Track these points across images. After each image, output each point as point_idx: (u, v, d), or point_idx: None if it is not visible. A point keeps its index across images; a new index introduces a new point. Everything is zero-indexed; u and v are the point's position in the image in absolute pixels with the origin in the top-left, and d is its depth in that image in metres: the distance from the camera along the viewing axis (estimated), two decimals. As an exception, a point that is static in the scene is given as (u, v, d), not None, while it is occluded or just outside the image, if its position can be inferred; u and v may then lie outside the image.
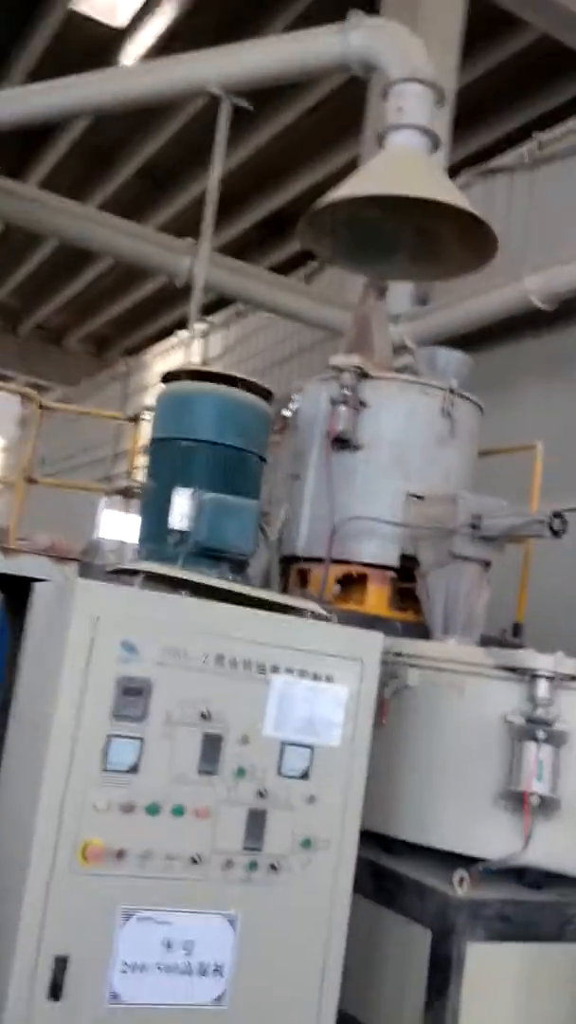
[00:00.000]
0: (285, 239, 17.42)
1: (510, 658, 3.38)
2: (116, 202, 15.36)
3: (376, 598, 4.84)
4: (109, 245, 9.13)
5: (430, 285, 9.47)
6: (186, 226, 11.56)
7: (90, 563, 4.74)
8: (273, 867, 2.95)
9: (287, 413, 5.20)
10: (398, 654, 3.61)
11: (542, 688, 3.29)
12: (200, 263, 7.09)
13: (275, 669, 2.99)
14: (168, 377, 4.89)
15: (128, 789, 2.80)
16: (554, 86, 11.57)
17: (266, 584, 4.78)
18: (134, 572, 3.16)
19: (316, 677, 3.04)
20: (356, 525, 4.76)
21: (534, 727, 3.28)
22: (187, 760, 2.87)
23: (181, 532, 4.45)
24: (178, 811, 2.85)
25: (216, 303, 12.60)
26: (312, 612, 3.19)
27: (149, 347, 18.33)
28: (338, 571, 4.82)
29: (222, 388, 4.64)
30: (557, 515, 4.05)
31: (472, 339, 8.08)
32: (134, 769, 2.81)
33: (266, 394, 4.78)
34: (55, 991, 2.67)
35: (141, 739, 2.82)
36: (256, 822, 2.94)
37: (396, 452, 4.83)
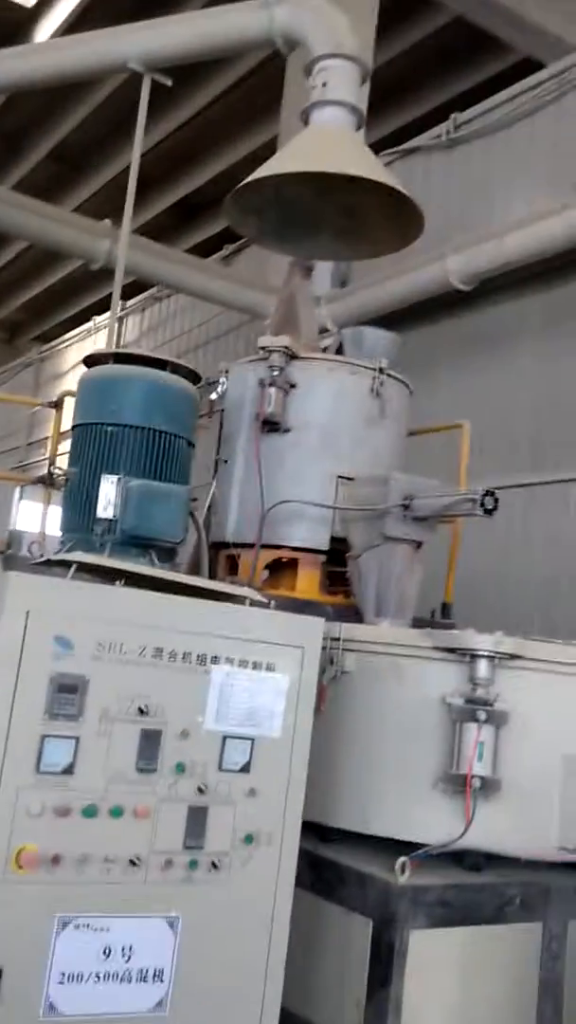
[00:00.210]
0: (198, 224, 17.21)
1: (449, 639, 3.35)
2: (28, 185, 14.92)
3: (307, 583, 4.78)
4: (23, 228, 8.84)
5: (349, 267, 9.43)
6: (100, 209, 11.27)
7: (13, 555, 4.56)
8: (214, 865, 2.85)
9: (213, 396, 5.09)
10: (335, 639, 3.54)
11: (482, 668, 3.26)
12: (122, 244, 6.90)
13: (215, 660, 2.89)
14: (91, 360, 4.73)
15: (63, 791, 2.67)
16: (471, 66, 11.60)
17: (195, 572, 4.67)
18: (64, 563, 3.01)
19: (257, 666, 2.95)
20: (286, 509, 4.69)
21: (474, 708, 3.24)
22: (125, 758, 2.75)
23: (107, 520, 4.32)
24: (116, 812, 2.73)
25: (130, 288, 12.34)
26: (250, 599, 3.09)
27: (63, 334, 17.91)
28: (268, 556, 4.74)
29: (149, 371, 4.51)
30: (489, 493, 4.03)
31: (391, 320, 8.06)
32: (69, 770, 2.68)
33: (194, 377, 4.66)
34: (-11, 1005, 2.55)
35: (76, 738, 2.69)
36: (196, 819, 2.84)
37: (325, 434, 4.77)
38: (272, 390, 4.67)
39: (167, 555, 4.46)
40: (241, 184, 4.98)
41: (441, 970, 3.20)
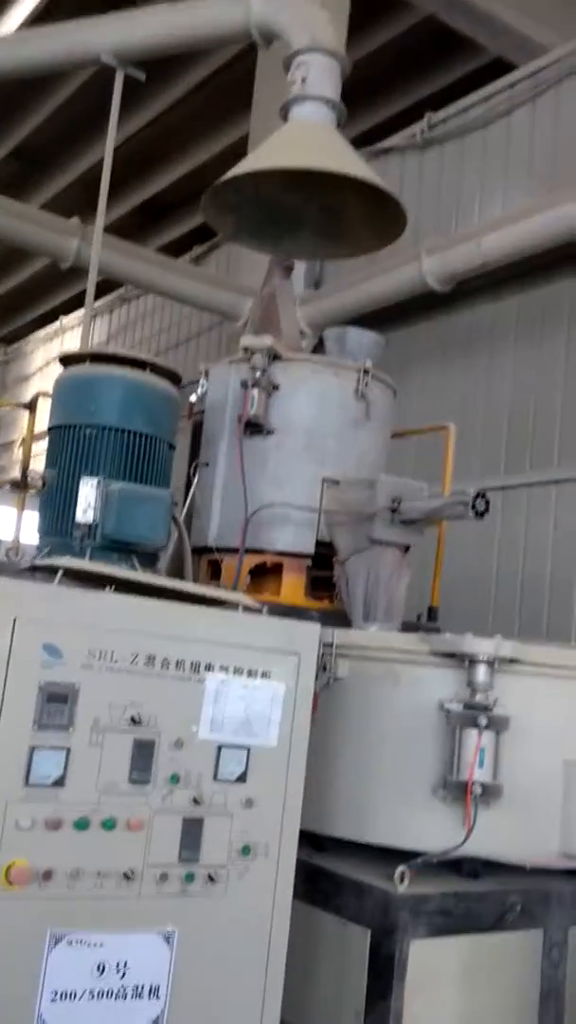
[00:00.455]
0: (165, 225, 17.06)
1: (448, 643, 3.28)
2: (-10, 184, 14.72)
3: (292, 588, 4.71)
4: (-11, 225, 8.67)
5: (323, 268, 9.37)
6: (64, 210, 11.09)
7: (-5, 561, 4.43)
8: (211, 878, 2.77)
9: (193, 398, 5.00)
10: (327, 644, 3.46)
11: (481, 673, 3.20)
12: (96, 241, 6.77)
13: (209, 667, 2.80)
14: (68, 360, 4.62)
15: (54, 804, 2.58)
16: (444, 66, 11.59)
17: (177, 577, 4.58)
18: (50, 568, 2.91)
19: (252, 674, 2.87)
20: (269, 513, 4.62)
21: (474, 713, 3.18)
22: (117, 769, 2.66)
23: (87, 525, 4.22)
24: (109, 825, 2.64)
25: (97, 290, 12.16)
26: (243, 605, 3.01)
27: (27, 335, 17.69)
28: (252, 561, 4.67)
29: (128, 371, 4.41)
30: (480, 495, 3.98)
31: (366, 322, 8.01)
32: (60, 782, 2.59)
33: (174, 378, 4.57)
34: (-21, 1028, 2.45)
35: (67, 749, 2.60)
36: (192, 831, 2.76)
37: (310, 436, 4.70)
38: (255, 391, 4.59)
39: (149, 560, 4.37)
40: (219, 181, 4.90)
41: (441, 980, 3.15)
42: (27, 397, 6.28)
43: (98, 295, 13.87)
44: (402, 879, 3.09)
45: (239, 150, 9.61)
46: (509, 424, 7.96)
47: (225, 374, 4.83)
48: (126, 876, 2.65)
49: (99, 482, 4.21)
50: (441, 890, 3.18)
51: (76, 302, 16.12)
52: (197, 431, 5.06)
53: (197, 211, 14.66)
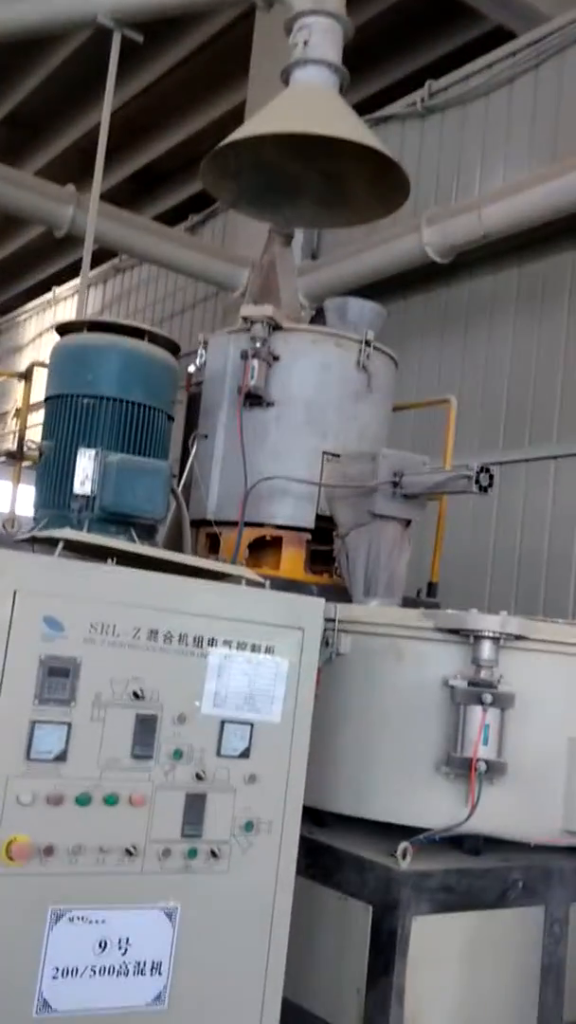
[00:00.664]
0: (159, 194, 16.84)
1: (453, 619, 3.24)
2: (-18, 150, 14.48)
3: (291, 562, 4.67)
4: (-18, 192, 8.52)
5: (320, 238, 9.26)
6: (58, 178, 10.91)
7: (-9, 532, 4.38)
8: (213, 854, 2.74)
9: (192, 369, 4.92)
10: (329, 620, 3.41)
11: (486, 649, 3.17)
12: (92, 208, 6.65)
13: (212, 642, 2.76)
14: (65, 328, 4.54)
15: (56, 779, 2.53)
16: (445, 33, 11.39)
17: (174, 550, 4.52)
18: (50, 541, 2.85)
19: (255, 649, 2.82)
20: (269, 486, 4.56)
21: (479, 690, 3.15)
22: (119, 744, 2.62)
23: (85, 496, 4.16)
24: (111, 800, 2.60)
25: (92, 259, 11.97)
26: (246, 579, 2.96)
27: (19, 306, 17.51)
28: (251, 534, 4.62)
29: (126, 340, 4.33)
30: (484, 469, 3.93)
31: (363, 294, 7.91)
32: (62, 757, 2.54)
33: (173, 347, 4.49)
34: (-21, 1005, 2.42)
35: (68, 724, 2.55)
36: (195, 807, 2.72)
37: (310, 408, 4.64)
38: (255, 362, 4.52)
39: (147, 533, 4.32)
40: (219, 146, 4.80)
41: (443, 956, 3.13)
42: (20, 368, 6.19)
43: (92, 265, 13.74)
44: (404, 855, 3.06)
45: (236, 117, 9.44)
46: (508, 399, 7.89)
47: (224, 344, 4.76)
48: (128, 852, 2.62)
49: (97, 453, 4.14)
50: (443, 867, 3.16)
51: (69, 273, 15.95)
52: (194, 402, 4.99)
53: (192, 180, 14.53)
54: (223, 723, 2.77)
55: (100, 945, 2.61)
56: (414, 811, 3.29)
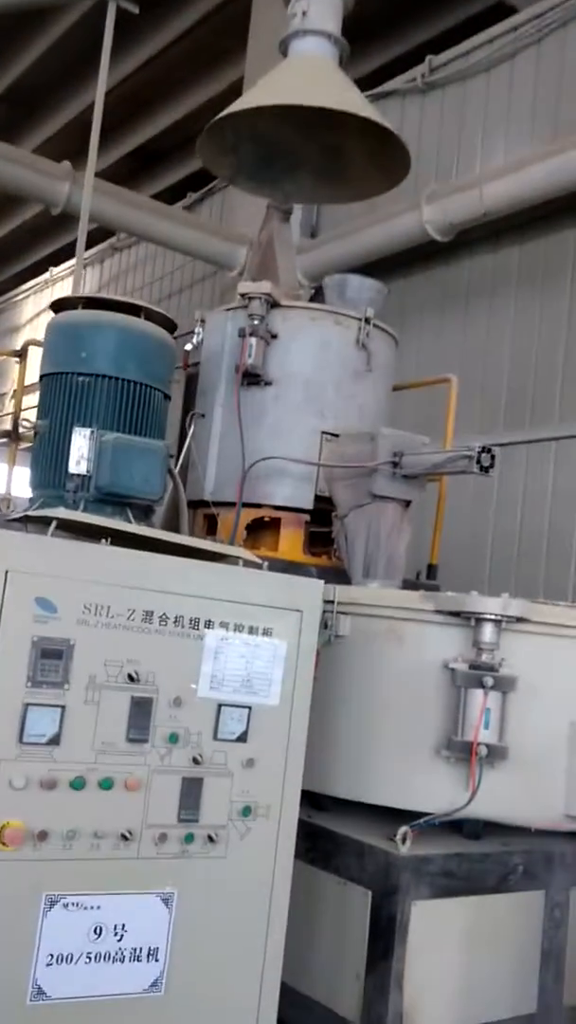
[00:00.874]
0: (156, 173, 16.68)
1: (453, 602, 3.19)
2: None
3: (290, 543, 4.61)
4: (-24, 169, 8.40)
5: (319, 216, 9.16)
6: (57, 155, 10.77)
7: (-17, 512, 4.31)
8: (211, 838, 2.70)
9: (189, 347, 4.85)
10: (328, 602, 3.36)
11: (487, 632, 3.12)
12: (87, 184, 6.56)
13: (209, 624, 2.70)
14: (59, 305, 4.46)
15: (49, 763, 2.49)
16: (447, 8, 11.23)
17: (173, 532, 4.46)
18: (43, 520, 2.79)
19: (253, 631, 2.77)
20: (267, 466, 4.50)
21: (480, 673, 3.10)
22: (114, 728, 2.57)
23: (81, 476, 4.10)
24: (106, 784, 2.55)
25: (90, 238, 11.80)
26: (244, 560, 2.90)
27: (16, 287, 17.37)
28: (249, 515, 4.56)
29: (121, 317, 4.26)
30: (485, 449, 3.86)
31: (363, 272, 7.82)
32: (55, 740, 2.49)
33: (169, 324, 4.42)
34: (-28, 992, 2.37)
35: (62, 707, 2.50)
36: (191, 791, 2.68)
37: (309, 387, 4.58)
38: (253, 340, 4.45)
39: (144, 513, 4.26)
40: (215, 119, 4.70)
41: (443, 942, 3.10)
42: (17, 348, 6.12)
43: (89, 245, 13.60)
44: (404, 840, 3.03)
45: (235, 93, 9.28)
46: (509, 380, 7.81)
47: (222, 322, 4.69)
48: (124, 837, 2.58)
49: (92, 432, 4.08)
50: (443, 851, 3.13)
51: (67, 253, 15.80)
52: (192, 381, 4.92)
53: (190, 158, 14.37)
54: (220, 706, 2.72)
55: (95, 931, 2.57)
56: (414, 795, 3.25)
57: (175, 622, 2.66)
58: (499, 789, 3.16)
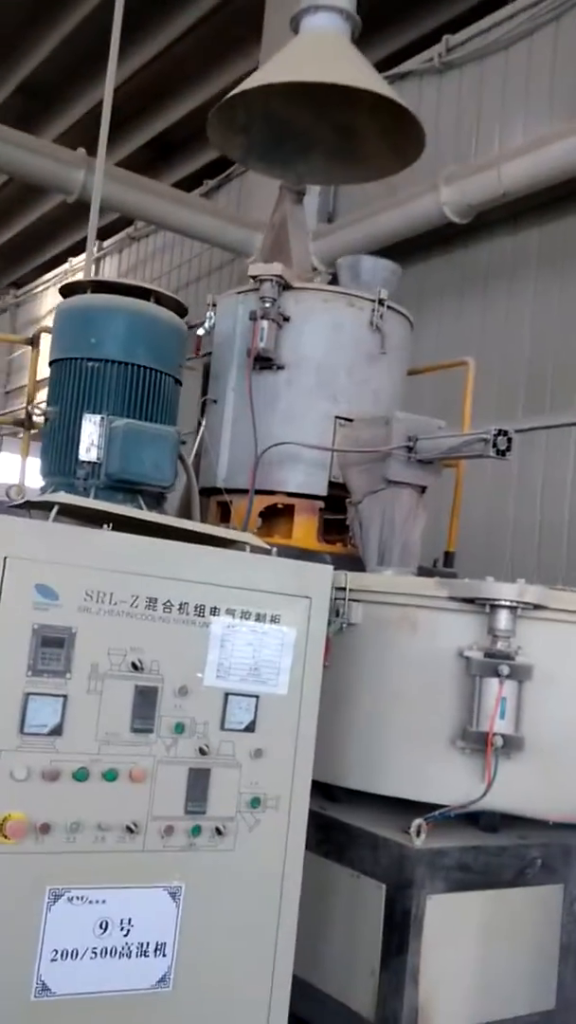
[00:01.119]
0: (173, 162, 16.60)
1: (469, 588, 3.10)
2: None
3: (304, 530, 4.54)
4: (-4, 157, 8.36)
5: (336, 200, 9.05)
6: (73, 147, 10.73)
7: (-10, 500, 4.26)
8: (218, 831, 2.63)
9: (201, 332, 4.77)
10: (340, 589, 3.28)
11: (503, 619, 3.03)
12: (99, 168, 6.48)
13: (215, 611, 2.63)
14: (69, 290, 4.40)
15: (51, 754, 2.43)
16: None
17: (185, 518, 4.40)
18: (46, 506, 2.73)
19: (260, 618, 2.69)
20: (280, 452, 4.42)
21: (495, 662, 3.01)
22: (118, 717, 2.51)
23: (91, 463, 4.05)
24: (110, 776, 2.49)
25: (107, 230, 11.77)
26: (251, 545, 2.82)
27: (39, 278, 17.37)
28: (262, 502, 4.48)
29: (131, 301, 4.19)
30: (502, 432, 3.76)
31: (381, 256, 7.72)
32: (57, 731, 2.43)
33: (181, 309, 4.34)
34: (-26, 989, 2.32)
35: (64, 696, 2.44)
36: (198, 782, 2.61)
37: (322, 371, 4.49)
38: (264, 323, 4.37)
39: (155, 501, 4.20)
40: (226, 98, 4.62)
41: (459, 936, 3.02)
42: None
43: (107, 235, 13.59)
44: (419, 832, 2.95)
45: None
46: (528, 364, 7.69)
47: (233, 306, 4.61)
48: (129, 829, 2.51)
49: (102, 419, 4.02)
50: (459, 844, 3.05)
51: (84, 245, 15.77)
52: (208, 370, 4.85)
53: (207, 147, 14.28)
54: (227, 695, 2.65)
55: (101, 926, 2.51)
56: (429, 787, 3.17)
57: (180, 609, 2.60)
58: (515, 781, 3.07)
